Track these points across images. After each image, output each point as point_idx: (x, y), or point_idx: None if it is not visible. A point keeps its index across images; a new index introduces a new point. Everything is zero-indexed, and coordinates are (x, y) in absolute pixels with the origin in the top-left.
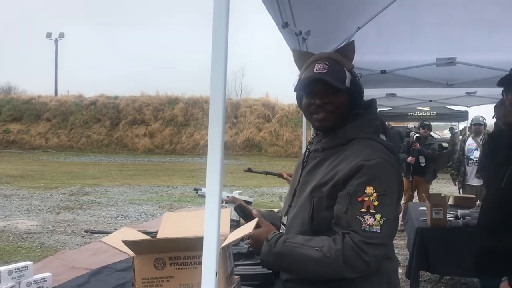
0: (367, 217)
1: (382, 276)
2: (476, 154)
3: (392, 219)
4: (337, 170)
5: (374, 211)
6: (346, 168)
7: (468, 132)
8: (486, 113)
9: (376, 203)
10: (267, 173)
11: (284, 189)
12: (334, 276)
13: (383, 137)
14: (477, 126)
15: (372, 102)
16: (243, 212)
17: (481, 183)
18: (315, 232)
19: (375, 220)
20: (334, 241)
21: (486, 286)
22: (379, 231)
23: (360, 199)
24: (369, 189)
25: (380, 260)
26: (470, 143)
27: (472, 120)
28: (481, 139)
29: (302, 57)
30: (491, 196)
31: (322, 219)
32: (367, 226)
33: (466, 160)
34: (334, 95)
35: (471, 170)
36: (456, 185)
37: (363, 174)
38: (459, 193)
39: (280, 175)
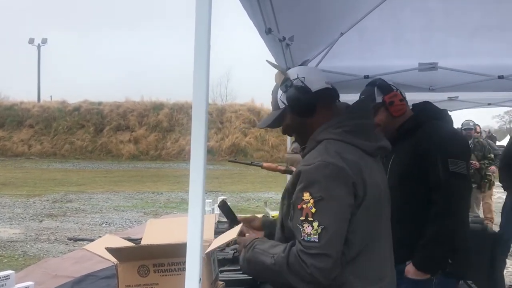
0: (305, 225)
1: None
2: None
3: (334, 228)
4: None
5: (311, 219)
6: (293, 175)
7: None
8: (467, 118)
9: (313, 210)
10: (251, 163)
11: (270, 194)
12: (288, 284)
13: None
14: (468, 131)
15: (358, 102)
16: (227, 210)
17: None
18: (286, 239)
19: (312, 228)
20: (284, 249)
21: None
22: (317, 240)
23: (299, 206)
24: (306, 196)
25: (330, 271)
26: None
27: (462, 125)
28: (471, 144)
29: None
30: None
31: (288, 227)
32: (306, 236)
33: None
34: (282, 122)
35: None
36: None
37: (301, 180)
38: None
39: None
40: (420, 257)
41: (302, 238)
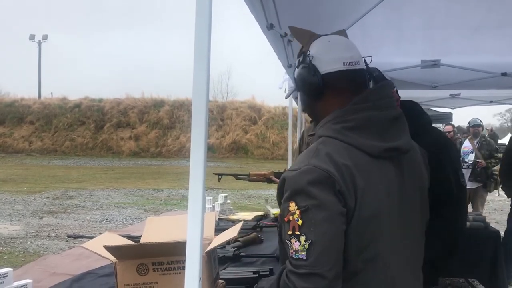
0: (293, 240)
1: None
2: (471, 157)
3: (324, 241)
4: None
5: (298, 233)
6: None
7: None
8: (469, 115)
9: (300, 222)
10: (237, 177)
11: (271, 192)
12: None
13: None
14: (476, 128)
15: (375, 88)
16: None
17: (475, 186)
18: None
19: (300, 244)
20: (279, 273)
21: None
22: (305, 257)
23: (286, 219)
24: (292, 206)
25: None
26: (466, 145)
27: (469, 123)
28: (477, 142)
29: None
30: None
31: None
32: (294, 253)
33: (461, 162)
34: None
35: (466, 173)
36: None
37: (286, 188)
38: None
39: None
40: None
41: (290, 255)
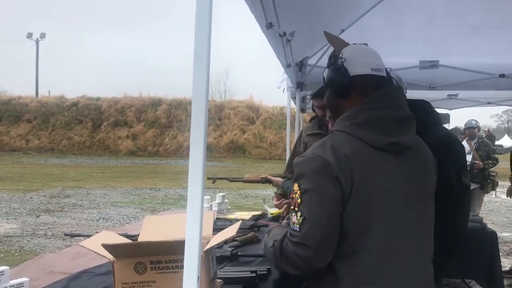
0: (293, 214)
1: None
2: (468, 158)
3: (313, 220)
4: None
5: (297, 209)
6: None
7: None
8: (467, 116)
9: (299, 200)
10: (231, 180)
11: (268, 191)
12: (281, 267)
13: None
14: (471, 130)
15: (385, 91)
16: None
17: (472, 187)
18: None
19: (296, 218)
20: (284, 234)
21: None
22: (298, 230)
23: (291, 196)
24: (295, 187)
25: (311, 260)
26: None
27: (465, 124)
28: (475, 143)
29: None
30: None
31: None
32: (292, 224)
33: None
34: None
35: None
36: None
37: (294, 171)
38: None
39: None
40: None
41: (290, 225)
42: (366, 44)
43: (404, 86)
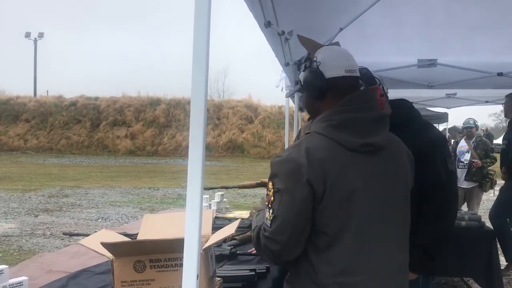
0: (267, 210)
1: None
2: (467, 157)
3: (282, 218)
4: None
5: (270, 206)
6: None
7: (448, 134)
8: (465, 115)
9: (272, 198)
10: (226, 188)
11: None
12: (262, 256)
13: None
14: (469, 129)
15: (359, 93)
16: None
17: (470, 186)
18: None
19: (269, 214)
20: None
21: None
22: (269, 225)
23: (266, 192)
24: (270, 185)
25: (279, 254)
26: (462, 145)
27: (463, 124)
28: (473, 142)
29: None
30: None
31: None
32: (265, 219)
33: (457, 162)
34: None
35: (461, 173)
36: None
37: (270, 169)
38: None
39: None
40: (412, 257)
41: (264, 220)
42: (337, 43)
43: (385, 86)
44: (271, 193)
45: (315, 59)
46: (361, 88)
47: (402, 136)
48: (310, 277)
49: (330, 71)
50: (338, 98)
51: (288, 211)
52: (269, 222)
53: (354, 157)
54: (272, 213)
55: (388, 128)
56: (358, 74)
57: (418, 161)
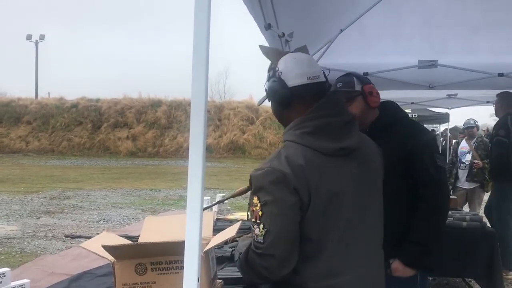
0: (255, 227)
1: None
2: (468, 157)
3: (276, 231)
4: None
5: (259, 221)
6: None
7: (450, 134)
8: (466, 115)
9: (260, 213)
10: (224, 200)
11: None
12: (248, 279)
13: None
14: (470, 130)
15: (328, 98)
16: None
17: (472, 187)
18: None
19: (259, 230)
20: (248, 246)
21: None
22: (262, 241)
23: (251, 209)
24: (255, 200)
25: (277, 269)
26: (463, 145)
27: (464, 124)
28: (474, 142)
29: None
30: None
31: None
32: (255, 236)
33: (458, 163)
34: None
35: (463, 173)
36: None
37: (252, 184)
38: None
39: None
40: (410, 253)
41: (253, 238)
42: (304, 47)
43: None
44: (258, 208)
45: (277, 69)
46: (330, 91)
47: (391, 136)
48: (296, 284)
49: (292, 80)
50: (304, 105)
51: (280, 223)
52: (261, 238)
53: (331, 162)
54: (263, 228)
55: (357, 129)
56: (322, 79)
57: (409, 160)
